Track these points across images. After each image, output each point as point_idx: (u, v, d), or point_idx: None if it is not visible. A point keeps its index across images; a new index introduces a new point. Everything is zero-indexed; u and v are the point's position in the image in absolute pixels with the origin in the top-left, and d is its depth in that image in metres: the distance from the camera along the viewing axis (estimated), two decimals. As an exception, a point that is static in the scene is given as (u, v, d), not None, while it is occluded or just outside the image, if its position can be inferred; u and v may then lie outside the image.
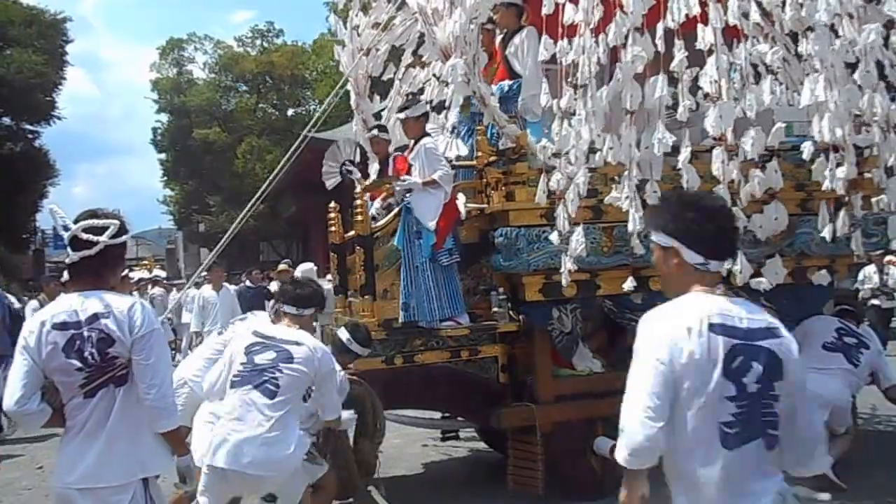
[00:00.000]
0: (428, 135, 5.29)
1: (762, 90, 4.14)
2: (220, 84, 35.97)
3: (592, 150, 4.43)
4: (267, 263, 22.49)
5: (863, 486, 4.82)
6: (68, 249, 2.75)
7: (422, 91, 6.68)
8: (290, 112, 36.00)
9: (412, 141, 5.22)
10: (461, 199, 5.08)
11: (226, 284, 10.65)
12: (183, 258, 34.54)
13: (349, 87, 6.25)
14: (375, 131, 5.94)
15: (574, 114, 4.32)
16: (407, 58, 6.52)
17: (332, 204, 5.68)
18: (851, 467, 4.89)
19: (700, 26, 4.17)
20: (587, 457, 5.07)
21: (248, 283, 13.09)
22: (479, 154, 5.15)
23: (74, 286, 2.82)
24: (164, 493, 3.05)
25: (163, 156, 35.20)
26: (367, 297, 4.96)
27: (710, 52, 4.11)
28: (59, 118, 26.39)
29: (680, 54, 4.05)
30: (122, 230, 2.79)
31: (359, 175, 6.10)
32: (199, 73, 36.70)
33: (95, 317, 2.70)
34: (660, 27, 4.19)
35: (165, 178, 35.81)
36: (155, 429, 2.78)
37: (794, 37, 4.39)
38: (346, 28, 6.01)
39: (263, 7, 74.92)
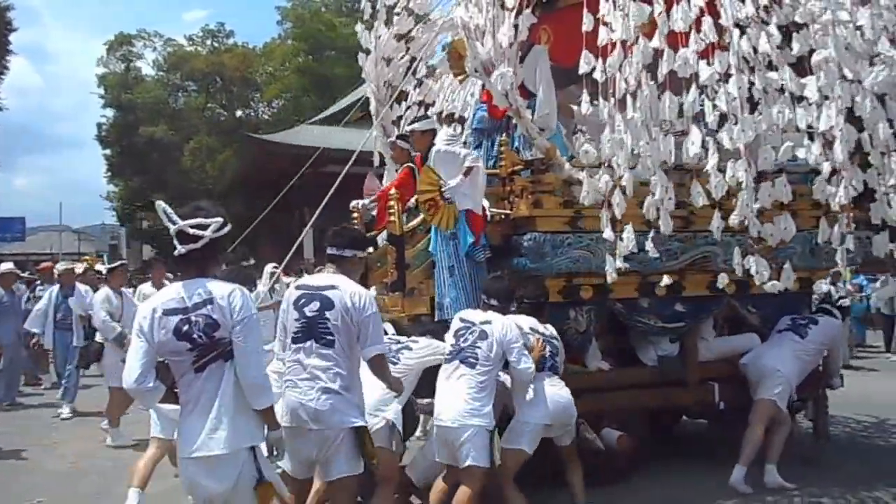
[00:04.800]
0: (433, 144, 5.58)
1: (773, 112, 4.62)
2: (168, 82, 35.54)
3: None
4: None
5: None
6: (175, 242, 3.00)
7: (434, 103, 6.99)
8: (238, 113, 35.85)
9: (422, 153, 5.51)
10: (485, 203, 5.42)
11: (167, 282, 10.60)
12: (126, 254, 33.77)
13: (368, 93, 6.52)
14: (399, 141, 6.18)
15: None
16: (421, 69, 6.83)
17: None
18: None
19: (718, 51, 4.63)
20: (593, 448, 5.44)
21: None
22: (504, 163, 5.51)
23: (182, 275, 3.11)
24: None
25: (108, 151, 34.51)
26: (396, 293, 5.28)
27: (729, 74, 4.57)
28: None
29: (709, 69, 4.49)
30: (224, 224, 3.05)
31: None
32: (147, 69, 36.23)
33: (203, 304, 2.98)
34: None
35: (110, 173, 35.16)
36: (254, 406, 3.04)
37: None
38: (371, 37, 6.27)
39: (217, 6, 73.81)
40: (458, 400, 4.31)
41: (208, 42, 37.24)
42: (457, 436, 4.25)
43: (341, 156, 12.13)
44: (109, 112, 34.46)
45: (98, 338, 7.53)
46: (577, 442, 4.89)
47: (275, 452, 3.23)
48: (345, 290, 3.70)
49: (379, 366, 3.81)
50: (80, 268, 12.96)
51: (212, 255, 3.09)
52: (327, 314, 3.65)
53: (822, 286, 11.26)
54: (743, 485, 5.12)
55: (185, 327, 2.95)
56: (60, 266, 9.84)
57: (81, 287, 9.17)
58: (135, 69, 35.99)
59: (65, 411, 8.72)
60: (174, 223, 3.00)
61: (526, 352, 4.54)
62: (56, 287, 9.26)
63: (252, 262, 13.64)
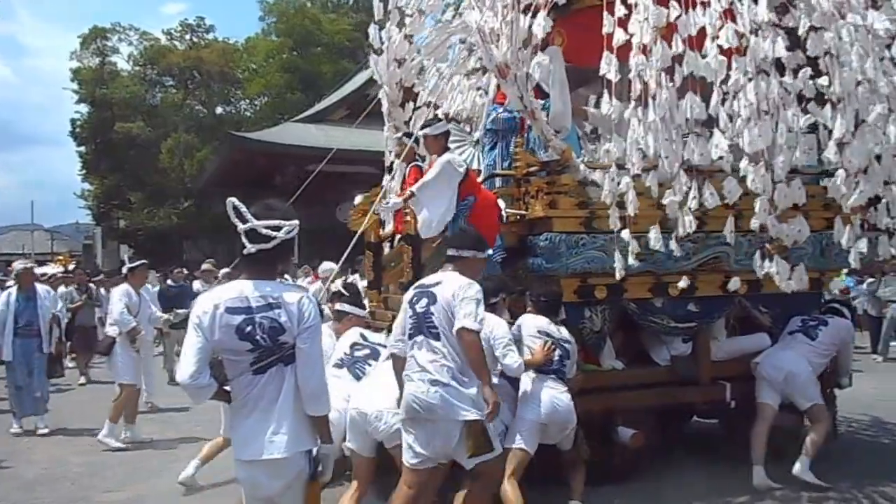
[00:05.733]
0: (448, 149, 5.58)
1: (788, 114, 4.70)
2: (145, 77, 35.11)
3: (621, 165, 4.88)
4: (190, 263, 22.15)
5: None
6: (244, 240, 2.95)
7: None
8: (218, 110, 35.51)
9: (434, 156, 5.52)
10: (501, 204, 5.45)
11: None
12: (101, 254, 33.32)
13: (381, 94, 6.50)
14: (405, 138, 6.19)
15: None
16: (433, 71, 6.83)
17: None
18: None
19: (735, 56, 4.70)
20: (604, 445, 5.46)
21: (170, 281, 13.03)
22: (518, 164, 5.54)
23: (247, 274, 3.04)
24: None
25: (82, 148, 33.96)
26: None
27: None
28: (-31, 104, 25.25)
29: (736, 74, 4.56)
30: (294, 228, 3.02)
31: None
32: (123, 64, 35.73)
33: (269, 307, 2.92)
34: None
35: (84, 171, 34.55)
36: (309, 412, 3.00)
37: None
38: (384, 38, 6.26)
39: (195, 1, 72.56)
40: None
41: (187, 37, 36.74)
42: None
43: (326, 155, 12.20)
44: (84, 108, 33.89)
45: (110, 332, 7.36)
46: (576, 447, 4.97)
47: (319, 469, 3.10)
48: (448, 284, 3.99)
49: (464, 340, 3.86)
50: (52, 268, 12.71)
51: (279, 257, 3.06)
52: (432, 309, 3.97)
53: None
54: (810, 475, 5.26)
55: (249, 328, 2.89)
56: (18, 265, 8.67)
57: (41, 288, 8.39)
58: (110, 64, 35.37)
59: (41, 426, 7.82)
60: (245, 221, 2.95)
61: (513, 347, 4.63)
62: (13, 290, 8.14)
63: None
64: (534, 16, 4.98)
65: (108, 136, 32.30)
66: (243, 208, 2.96)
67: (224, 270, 12.96)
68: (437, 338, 3.91)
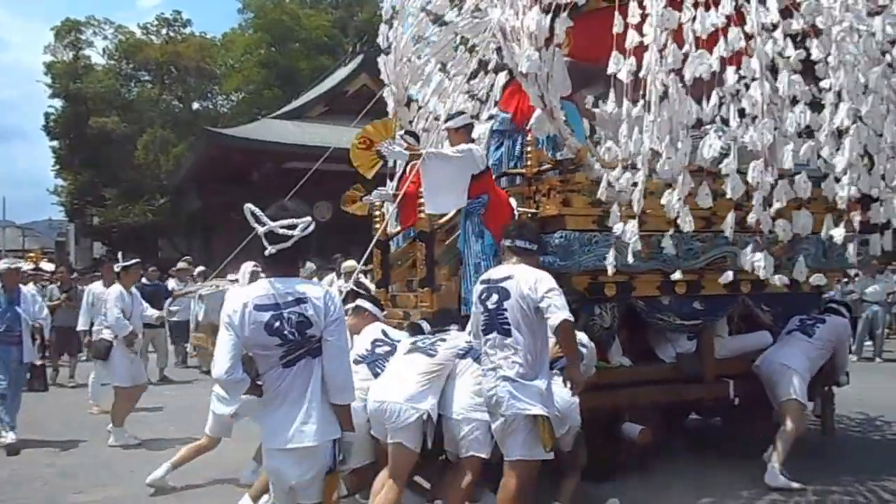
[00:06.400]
0: (472, 140, 5.61)
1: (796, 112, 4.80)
2: (120, 71, 34.60)
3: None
4: (165, 261, 21.91)
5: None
6: (264, 242, 3.08)
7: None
8: (195, 105, 35.15)
9: None
10: (513, 202, 5.50)
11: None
12: (74, 252, 32.82)
13: (386, 94, 6.51)
14: (406, 136, 6.20)
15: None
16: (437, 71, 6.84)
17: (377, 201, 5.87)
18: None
19: (745, 57, 4.79)
20: (609, 441, 5.49)
21: (144, 279, 12.87)
22: (529, 163, 5.59)
23: (270, 273, 3.19)
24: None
25: (55, 143, 33.36)
26: (426, 288, 5.31)
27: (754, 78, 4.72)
28: (-62, 98, 24.70)
29: (732, 76, 4.65)
30: (310, 223, 3.13)
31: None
32: (97, 58, 35.13)
33: (295, 302, 3.06)
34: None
35: (58, 166, 33.94)
36: (336, 401, 3.15)
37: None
38: (391, 39, 6.26)
39: (172, -6, 71.33)
40: (464, 395, 4.43)
41: (163, 31, 36.25)
42: (459, 429, 4.39)
43: (304, 152, 12.15)
44: (57, 102, 33.25)
45: (106, 335, 7.28)
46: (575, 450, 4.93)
47: (341, 457, 3.25)
48: (520, 277, 4.00)
49: (565, 332, 3.91)
50: (23, 265, 12.42)
51: (298, 254, 3.18)
52: (505, 304, 3.98)
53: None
54: (782, 479, 5.26)
55: (277, 323, 3.02)
56: (2, 264, 7.79)
57: (27, 290, 7.74)
58: (84, 57, 34.69)
59: (9, 437, 7.02)
60: (263, 224, 3.07)
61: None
62: None
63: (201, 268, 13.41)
64: (555, 15, 5.02)
65: (83, 132, 31.71)
66: (259, 212, 3.09)
67: (199, 269, 13.20)
68: (508, 334, 3.96)
